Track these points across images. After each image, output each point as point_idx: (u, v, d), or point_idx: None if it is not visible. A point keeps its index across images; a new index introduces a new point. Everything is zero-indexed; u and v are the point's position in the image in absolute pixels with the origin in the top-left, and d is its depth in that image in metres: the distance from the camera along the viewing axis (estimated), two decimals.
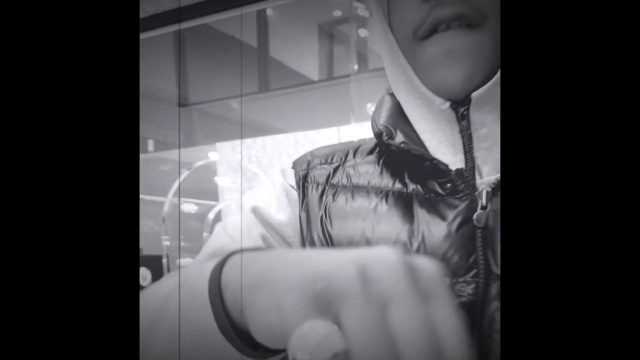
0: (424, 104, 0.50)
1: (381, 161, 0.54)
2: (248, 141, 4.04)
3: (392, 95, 0.56)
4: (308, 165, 0.57)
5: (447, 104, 0.48)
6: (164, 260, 1.79)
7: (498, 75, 0.46)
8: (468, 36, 0.46)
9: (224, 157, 4.05)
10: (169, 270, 1.79)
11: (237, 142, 4.02)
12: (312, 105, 4.06)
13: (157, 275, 1.82)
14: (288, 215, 0.55)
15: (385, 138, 0.51)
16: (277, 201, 0.56)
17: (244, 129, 4.35)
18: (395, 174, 0.52)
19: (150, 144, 4.85)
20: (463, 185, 0.47)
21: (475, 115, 0.47)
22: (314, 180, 0.56)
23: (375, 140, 0.56)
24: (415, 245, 0.47)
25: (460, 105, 0.48)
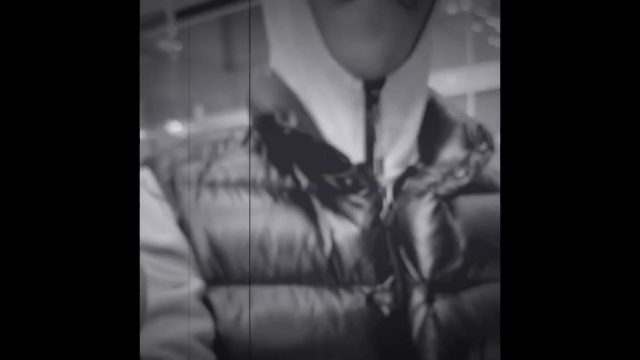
0: (326, 79, 0.43)
1: (264, 152, 0.45)
2: None
3: (273, 74, 0.47)
4: (171, 166, 0.44)
5: (360, 84, 0.42)
6: None
7: (414, 57, 0.43)
8: (398, 11, 0.40)
9: None
10: None
11: None
12: None
13: None
14: (172, 234, 0.41)
15: (279, 120, 0.41)
16: (152, 217, 0.42)
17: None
18: (285, 168, 0.43)
19: (199, 110, 4.94)
20: (366, 181, 0.42)
21: (386, 100, 0.43)
22: (184, 182, 0.43)
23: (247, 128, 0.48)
24: (327, 252, 0.40)
25: (373, 87, 0.42)
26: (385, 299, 0.39)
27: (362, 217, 0.41)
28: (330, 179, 0.41)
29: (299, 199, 0.42)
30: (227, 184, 0.43)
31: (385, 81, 0.42)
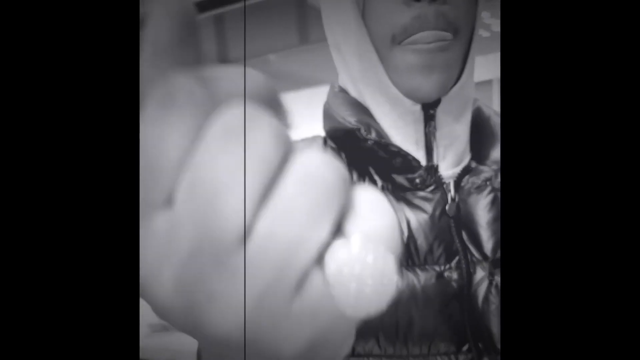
0: (388, 102, 0.51)
1: (344, 157, 0.53)
2: (291, 93, 4.05)
3: (344, 91, 0.57)
4: None
5: (419, 106, 0.51)
6: None
7: (463, 79, 0.50)
8: (445, 51, 0.48)
9: None
10: None
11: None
12: None
13: None
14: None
15: (364, 134, 0.51)
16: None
17: (284, 83, 4.35)
18: (363, 171, 0.53)
19: None
20: (432, 179, 0.51)
21: (440, 115, 0.51)
22: None
23: (321, 137, 0.56)
24: (404, 239, 0.49)
25: (430, 107, 0.51)
26: (453, 275, 0.49)
27: (430, 209, 0.49)
28: (402, 179, 0.50)
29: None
30: None
31: (440, 102, 0.51)
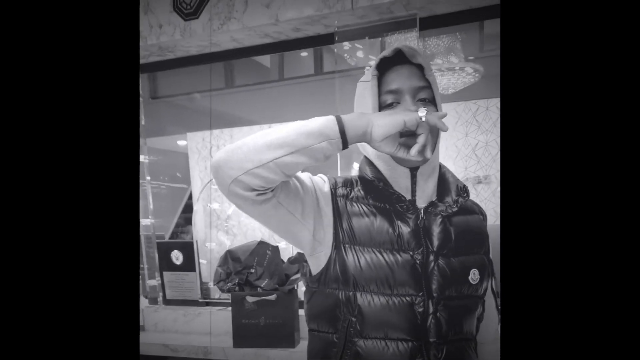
0: (388, 166, 0.94)
1: (364, 191, 0.96)
2: (216, 132, 4.26)
3: (367, 159, 1.00)
4: (335, 185, 0.97)
5: (408, 170, 0.93)
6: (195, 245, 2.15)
7: (433, 156, 0.92)
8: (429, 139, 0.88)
9: (194, 145, 4.26)
10: (198, 253, 2.15)
11: (207, 133, 4.23)
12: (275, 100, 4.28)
13: (188, 256, 2.17)
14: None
15: (377, 183, 0.94)
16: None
17: (212, 121, 4.54)
18: (379, 201, 0.94)
19: None
20: (412, 207, 0.93)
21: (420, 175, 0.94)
22: (340, 195, 0.96)
23: (357, 176, 1.00)
24: (396, 235, 0.92)
25: (414, 170, 0.93)
26: (418, 257, 0.90)
27: (411, 223, 0.92)
28: (397, 206, 0.93)
29: (386, 212, 0.93)
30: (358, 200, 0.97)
31: (420, 167, 0.92)
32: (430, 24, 1.82)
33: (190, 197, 4.46)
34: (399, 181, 0.93)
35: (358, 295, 0.88)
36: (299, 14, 1.79)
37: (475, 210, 1.02)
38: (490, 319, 1.05)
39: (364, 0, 1.72)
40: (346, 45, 1.83)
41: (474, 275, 0.93)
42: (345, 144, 0.81)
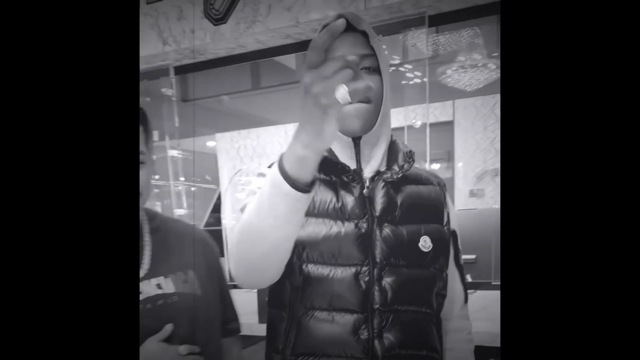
0: (337, 138, 0.89)
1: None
2: (244, 132, 4.47)
3: None
4: None
5: (350, 139, 0.92)
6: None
7: (376, 126, 0.91)
8: (366, 108, 0.90)
9: (223, 145, 4.49)
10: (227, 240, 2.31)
11: (235, 133, 4.46)
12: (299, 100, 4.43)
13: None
14: None
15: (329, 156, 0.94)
16: None
17: (239, 122, 4.72)
18: (326, 172, 0.92)
19: (155, 134, 5.18)
20: (357, 177, 0.92)
21: (363, 145, 0.92)
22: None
23: None
24: (340, 205, 0.92)
25: (356, 139, 0.92)
26: (363, 225, 0.89)
27: (356, 192, 0.91)
28: (343, 177, 0.92)
29: (331, 184, 0.93)
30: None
31: (362, 137, 0.91)
32: (438, 21, 1.96)
33: (219, 198, 4.66)
34: (344, 151, 0.93)
35: (303, 266, 0.87)
36: (317, 15, 1.95)
37: (432, 182, 1.00)
38: (455, 295, 1.02)
39: (376, 0, 1.87)
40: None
41: (424, 243, 0.92)
42: (296, 184, 0.67)
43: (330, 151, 0.94)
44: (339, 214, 0.88)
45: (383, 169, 0.94)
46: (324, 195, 0.90)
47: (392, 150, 0.97)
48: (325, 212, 0.89)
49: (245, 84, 4.53)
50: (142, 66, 2.39)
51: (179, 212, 2.49)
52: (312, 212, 0.88)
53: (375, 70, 0.90)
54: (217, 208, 4.71)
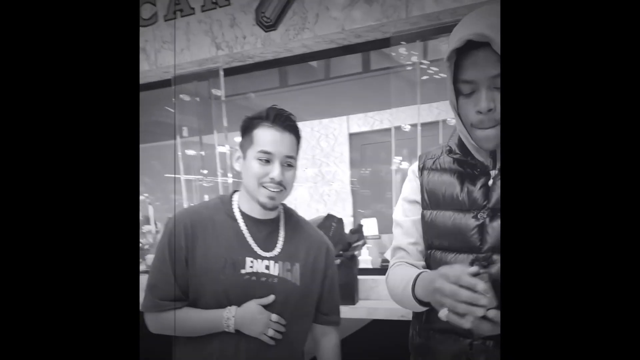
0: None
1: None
2: None
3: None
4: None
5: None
6: None
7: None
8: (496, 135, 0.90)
9: None
10: None
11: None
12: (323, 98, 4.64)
13: None
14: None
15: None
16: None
17: None
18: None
19: (185, 131, 5.39)
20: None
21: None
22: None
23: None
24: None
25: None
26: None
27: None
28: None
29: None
30: None
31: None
32: None
33: None
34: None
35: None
36: (362, 23, 2.16)
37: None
38: None
39: (417, 10, 2.07)
40: (402, 49, 2.19)
41: None
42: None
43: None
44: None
45: None
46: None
47: None
48: None
49: (273, 82, 4.72)
50: (193, 68, 2.61)
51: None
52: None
53: None
54: None
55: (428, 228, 1.03)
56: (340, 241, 2.25)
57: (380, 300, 2.07)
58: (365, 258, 2.51)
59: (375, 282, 2.11)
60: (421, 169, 1.07)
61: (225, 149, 2.74)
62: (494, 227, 0.91)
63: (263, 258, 1.22)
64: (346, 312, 1.96)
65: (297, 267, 1.26)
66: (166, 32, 2.56)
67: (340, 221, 2.22)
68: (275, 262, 1.23)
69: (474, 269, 0.74)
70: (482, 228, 0.94)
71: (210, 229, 1.20)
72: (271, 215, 1.27)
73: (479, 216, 0.94)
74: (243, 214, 1.25)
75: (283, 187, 1.20)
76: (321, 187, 4.39)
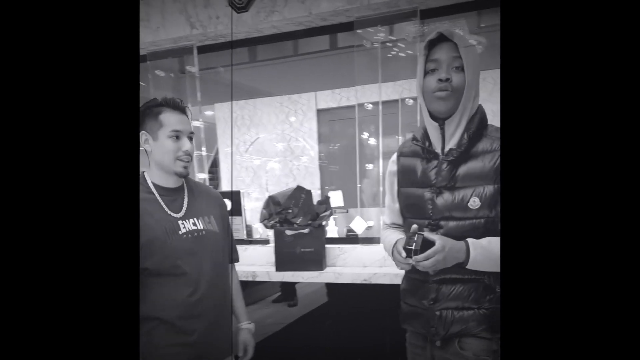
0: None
1: None
2: (241, 102, 4.77)
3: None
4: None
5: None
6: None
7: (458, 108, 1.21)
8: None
9: (222, 115, 4.80)
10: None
11: (235, 103, 4.75)
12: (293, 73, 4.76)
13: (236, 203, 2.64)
14: None
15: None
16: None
17: (236, 92, 4.99)
18: None
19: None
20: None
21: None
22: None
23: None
24: None
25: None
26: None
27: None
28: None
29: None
30: None
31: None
32: (429, 14, 2.36)
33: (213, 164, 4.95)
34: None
35: None
36: (327, 8, 2.33)
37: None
38: None
39: None
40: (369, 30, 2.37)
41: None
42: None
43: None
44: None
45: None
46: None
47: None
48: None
49: (242, 57, 4.80)
50: (168, 45, 2.72)
51: (201, 175, 2.89)
52: None
53: (461, 69, 1.20)
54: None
55: (400, 200, 1.35)
56: (308, 211, 2.42)
57: (345, 266, 2.23)
58: (332, 228, 2.73)
59: (342, 250, 2.26)
60: (399, 156, 1.36)
61: (199, 123, 2.89)
62: (442, 199, 1.21)
63: (183, 218, 1.46)
64: (315, 277, 2.15)
65: (213, 219, 1.52)
66: (142, 10, 2.66)
67: (308, 193, 2.39)
68: (197, 218, 1.48)
69: (414, 227, 1.16)
70: (432, 200, 1.23)
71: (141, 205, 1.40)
72: (179, 182, 1.50)
73: (430, 191, 1.23)
74: (157, 187, 1.46)
75: (190, 156, 1.46)
76: (290, 161, 4.56)
